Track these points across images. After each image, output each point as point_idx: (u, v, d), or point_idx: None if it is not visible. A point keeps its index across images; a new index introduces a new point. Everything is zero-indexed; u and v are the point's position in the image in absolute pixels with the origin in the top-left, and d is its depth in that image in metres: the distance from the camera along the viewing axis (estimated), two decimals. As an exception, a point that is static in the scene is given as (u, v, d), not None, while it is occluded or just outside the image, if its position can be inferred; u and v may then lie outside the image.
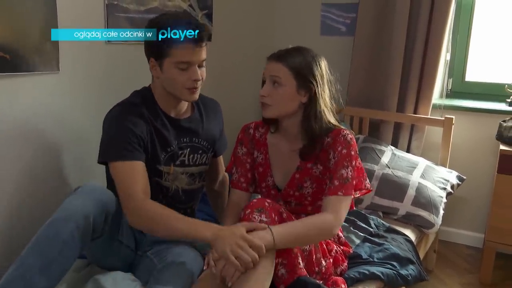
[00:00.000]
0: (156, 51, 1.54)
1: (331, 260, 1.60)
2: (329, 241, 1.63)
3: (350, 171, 1.52)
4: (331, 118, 1.60)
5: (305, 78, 1.53)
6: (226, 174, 2.00)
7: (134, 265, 1.63)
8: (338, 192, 1.50)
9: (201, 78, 1.58)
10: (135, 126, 1.54)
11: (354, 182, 1.55)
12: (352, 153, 1.54)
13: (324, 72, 1.57)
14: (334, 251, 1.64)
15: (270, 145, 1.69)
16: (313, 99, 1.55)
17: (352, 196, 1.56)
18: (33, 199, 1.76)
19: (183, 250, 1.54)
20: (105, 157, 1.56)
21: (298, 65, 1.53)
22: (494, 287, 2.45)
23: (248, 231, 1.37)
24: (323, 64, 1.58)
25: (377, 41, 2.76)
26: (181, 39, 1.50)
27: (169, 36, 1.50)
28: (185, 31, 1.49)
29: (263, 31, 3.08)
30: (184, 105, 1.69)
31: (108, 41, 1.93)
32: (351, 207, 1.63)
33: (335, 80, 1.61)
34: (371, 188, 1.65)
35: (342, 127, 1.61)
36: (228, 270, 1.34)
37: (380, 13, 2.73)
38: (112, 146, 1.53)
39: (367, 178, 1.64)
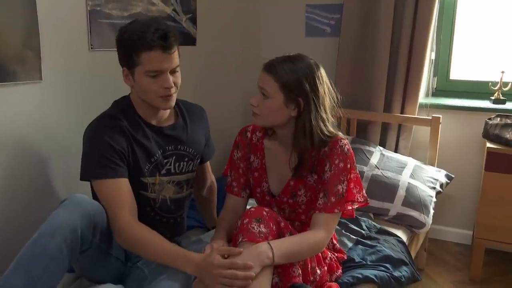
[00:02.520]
0: (126, 60, 1.51)
1: (326, 268, 1.59)
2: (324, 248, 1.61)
3: (346, 185, 1.50)
4: (329, 128, 1.52)
5: (292, 93, 1.45)
6: (214, 181, 1.98)
7: (124, 277, 1.59)
8: (334, 210, 1.48)
9: (173, 85, 1.52)
10: (115, 141, 1.51)
11: (347, 195, 1.52)
12: (349, 166, 1.50)
13: (319, 84, 1.47)
14: (328, 258, 1.62)
15: (267, 149, 1.64)
16: (302, 114, 1.48)
17: (350, 208, 1.55)
18: (16, 209, 1.71)
19: None
20: (87, 175, 1.53)
21: (287, 78, 1.44)
22: (483, 283, 2.47)
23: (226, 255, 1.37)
24: (320, 75, 1.48)
25: (362, 41, 2.77)
26: (149, 47, 1.45)
27: (137, 45, 1.46)
28: (152, 38, 1.45)
29: (248, 34, 3.06)
30: (166, 113, 1.66)
31: (91, 48, 1.89)
32: (351, 215, 1.62)
33: (334, 88, 1.54)
34: (368, 202, 1.59)
35: (340, 134, 1.55)
36: None
37: (365, 14, 2.73)
38: (93, 164, 1.50)
39: (363, 190, 1.57)
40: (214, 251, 1.38)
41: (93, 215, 1.38)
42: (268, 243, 1.36)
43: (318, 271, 1.53)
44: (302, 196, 1.58)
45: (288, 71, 1.45)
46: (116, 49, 1.55)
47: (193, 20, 2.48)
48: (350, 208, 1.55)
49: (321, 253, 1.58)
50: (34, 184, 1.76)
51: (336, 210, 1.48)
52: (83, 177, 1.54)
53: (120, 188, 1.50)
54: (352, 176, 1.52)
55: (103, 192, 1.49)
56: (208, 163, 1.90)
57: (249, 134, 1.68)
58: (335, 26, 2.92)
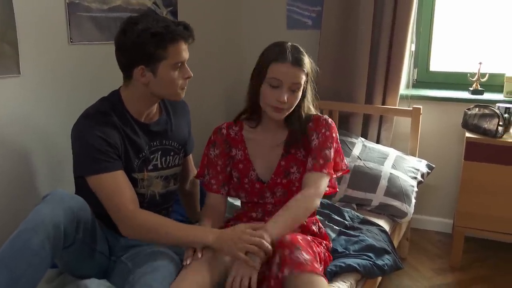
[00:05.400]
0: (149, 56, 1.48)
1: (323, 263, 1.60)
2: (317, 243, 1.62)
3: (332, 152, 1.63)
4: (312, 107, 1.68)
5: (308, 77, 1.60)
6: (197, 174, 1.98)
7: (108, 271, 1.58)
8: (322, 170, 1.59)
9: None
10: (107, 136, 1.49)
11: (333, 162, 1.64)
12: (334, 135, 1.65)
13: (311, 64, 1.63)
14: (323, 254, 1.62)
15: (247, 140, 1.70)
16: (305, 92, 1.61)
17: (335, 176, 1.68)
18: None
19: (158, 253, 1.51)
20: (83, 172, 1.51)
21: (308, 67, 1.58)
22: (463, 270, 2.53)
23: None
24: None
25: (343, 34, 2.78)
26: (176, 40, 1.48)
27: (165, 39, 1.46)
28: (177, 30, 1.48)
29: (230, 27, 3.05)
30: (154, 109, 1.66)
31: (71, 41, 1.87)
32: (334, 187, 1.73)
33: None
34: (348, 169, 1.75)
35: (317, 113, 1.70)
36: (244, 270, 1.36)
37: (346, 6, 2.74)
38: (88, 160, 1.48)
39: (345, 158, 1.73)
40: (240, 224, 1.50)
41: (76, 211, 1.37)
42: (264, 229, 1.43)
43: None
44: (296, 173, 1.65)
45: (307, 59, 1.58)
46: (120, 50, 1.52)
47: (174, 14, 2.46)
48: (335, 176, 1.68)
49: (318, 254, 1.54)
50: (15, 180, 1.73)
51: (324, 171, 1.59)
52: (78, 174, 1.52)
53: (119, 180, 1.49)
54: (335, 145, 1.66)
55: (101, 187, 1.48)
56: (190, 156, 1.90)
57: (224, 131, 1.72)
58: (316, 18, 2.93)
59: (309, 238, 1.56)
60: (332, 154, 1.63)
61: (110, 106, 1.57)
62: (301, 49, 1.59)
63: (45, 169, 1.84)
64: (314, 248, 1.50)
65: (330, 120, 1.66)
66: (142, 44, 1.46)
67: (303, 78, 1.56)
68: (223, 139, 1.71)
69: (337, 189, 1.81)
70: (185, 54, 1.54)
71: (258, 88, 1.58)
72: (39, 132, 1.81)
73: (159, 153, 1.67)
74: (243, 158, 1.69)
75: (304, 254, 1.37)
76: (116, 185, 1.48)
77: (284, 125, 1.67)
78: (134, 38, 1.46)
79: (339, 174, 1.71)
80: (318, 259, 1.47)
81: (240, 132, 1.71)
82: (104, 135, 1.49)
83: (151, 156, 1.65)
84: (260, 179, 1.68)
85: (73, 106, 1.60)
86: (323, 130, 1.63)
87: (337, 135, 1.68)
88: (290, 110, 1.60)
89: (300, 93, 1.58)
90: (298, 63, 1.53)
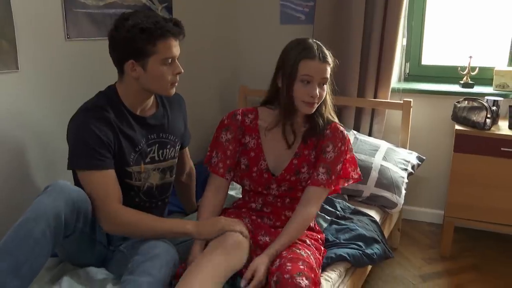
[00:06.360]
0: (138, 51, 1.52)
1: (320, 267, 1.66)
2: (314, 239, 1.71)
3: (341, 166, 1.70)
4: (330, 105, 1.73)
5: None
6: (193, 166, 2.02)
7: (107, 260, 1.64)
8: (331, 186, 1.67)
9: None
10: (102, 133, 1.53)
11: (342, 172, 1.72)
12: (346, 148, 1.70)
13: None
14: (318, 253, 1.67)
15: (261, 130, 1.73)
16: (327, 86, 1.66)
17: (346, 184, 1.76)
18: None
19: (156, 241, 1.55)
20: (74, 165, 1.55)
21: (331, 61, 1.63)
22: (453, 259, 2.60)
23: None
24: None
25: (336, 28, 2.82)
26: (165, 35, 1.51)
27: (155, 34, 1.50)
28: (167, 26, 1.51)
29: (224, 22, 3.09)
30: (150, 102, 1.70)
31: (68, 37, 1.91)
32: (337, 191, 1.81)
33: None
34: (361, 178, 1.79)
35: (336, 120, 1.74)
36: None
37: (338, 1, 2.78)
38: (81, 155, 1.52)
39: (357, 168, 1.78)
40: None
41: (76, 202, 1.42)
42: (265, 254, 1.51)
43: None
44: (305, 173, 1.70)
45: (331, 55, 1.64)
46: (112, 45, 1.56)
47: (169, 9, 2.50)
48: (345, 184, 1.75)
49: (315, 260, 1.60)
50: (12, 174, 1.77)
51: (332, 187, 1.68)
52: (70, 166, 1.56)
53: (107, 180, 1.53)
54: (348, 156, 1.72)
55: (90, 182, 1.52)
56: (187, 149, 1.94)
57: (239, 117, 1.74)
58: (309, 13, 2.97)
59: (306, 241, 1.64)
60: (341, 167, 1.69)
61: (107, 100, 1.61)
62: (322, 45, 1.64)
63: (43, 163, 1.88)
64: (312, 257, 1.55)
65: (345, 132, 1.72)
66: (132, 39, 1.50)
67: (329, 72, 1.62)
68: (237, 125, 1.73)
69: (340, 192, 1.93)
70: (175, 50, 1.56)
71: (292, 86, 1.61)
72: (37, 127, 1.85)
73: (156, 146, 1.71)
74: (256, 147, 1.72)
75: (305, 279, 1.38)
76: (103, 184, 1.52)
77: (304, 119, 1.71)
78: (124, 34, 1.51)
79: (350, 182, 1.76)
80: (316, 265, 1.54)
81: (256, 120, 1.74)
82: (99, 131, 1.52)
83: (148, 149, 1.69)
84: (269, 169, 1.71)
85: (70, 101, 1.64)
86: (339, 145, 1.67)
87: (350, 146, 1.74)
88: (319, 104, 1.66)
89: (327, 87, 1.64)
90: (325, 58, 1.60)
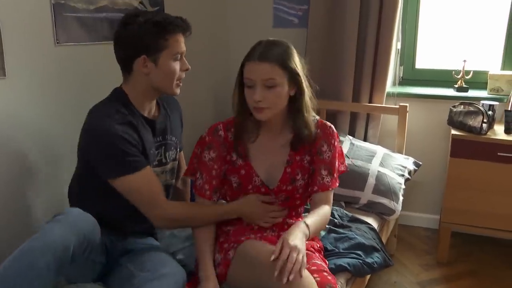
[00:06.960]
0: (151, 45, 1.51)
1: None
2: (317, 250, 1.67)
3: (337, 160, 1.66)
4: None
5: (292, 70, 1.48)
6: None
7: (105, 274, 1.58)
8: (336, 184, 1.65)
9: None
10: (129, 136, 1.50)
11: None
12: (337, 143, 1.67)
13: (302, 62, 1.55)
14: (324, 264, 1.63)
15: (246, 144, 1.63)
16: (301, 90, 1.52)
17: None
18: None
19: (165, 259, 1.52)
20: (114, 175, 1.49)
21: (283, 58, 1.46)
22: (450, 265, 2.58)
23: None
24: (297, 54, 1.54)
25: (330, 32, 2.79)
26: (175, 31, 1.53)
27: (167, 28, 1.51)
28: (176, 22, 1.54)
29: (216, 26, 3.05)
30: (154, 105, 1.67)
31: (57, 42, 1.84)
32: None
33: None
34: (347, 169, 1.78)
35: (318, 117, 1.66)
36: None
37: (332, 5, 2.75)
38: (118, 162, 1.48)
39: (345, 160, 1.77)
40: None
41: (87, 234, 1.34)
42: (305, 222, 1.45)
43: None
44: (300, 180, 1.63)
45: (280, 51, 1.48)
46: (120, 43, 1.55)
47: (161, 13, 2.45)
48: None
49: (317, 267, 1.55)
50: (3, 181, 1.71)
51: (337, 184, 1.65)
52: (110, 177, 1.50)
53: (149, 176, 1.54)
54: (337, 149, 1.68)
55: (136, 184, 1.50)
56: (181, 153, 1.91)
57: (222, 133, 1.62)
58: (303, 17, 2.94)
59: (316, 254, 1.61)
60: (337, 162, 1.66)
61: (122, 103, 1.56)
62: (280, 43, 1.50)
63: (31, 169, 1.81)
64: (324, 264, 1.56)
65: (333, 128, 1.65)
66: (144, 34, 1.50)
67: (277, 72, 1.45)
68: (220, 141, 1.61)
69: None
70: (183, 46, 1.58)
71: (243, 93, 1.52)
72: (24, 133, 1.78)
73: (163, 148, 1.70)
74: (245, 163, 1.62)
75: None
76: (147, 182, 1.53)
77: (287, 126, 1.60)
78: (136, 29, 1.50)
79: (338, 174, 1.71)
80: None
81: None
82: (128, 136, 1.50)
83: (156, 151, 1.67)
84: (265, 184, 1.63)
85: (60, 107, 1.58)
86: (332, 141, 1.63)
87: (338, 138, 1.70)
88: (277, 110, 1.51)
89: (283, 89, 1.47)
90: (264, 57, 1.44)
